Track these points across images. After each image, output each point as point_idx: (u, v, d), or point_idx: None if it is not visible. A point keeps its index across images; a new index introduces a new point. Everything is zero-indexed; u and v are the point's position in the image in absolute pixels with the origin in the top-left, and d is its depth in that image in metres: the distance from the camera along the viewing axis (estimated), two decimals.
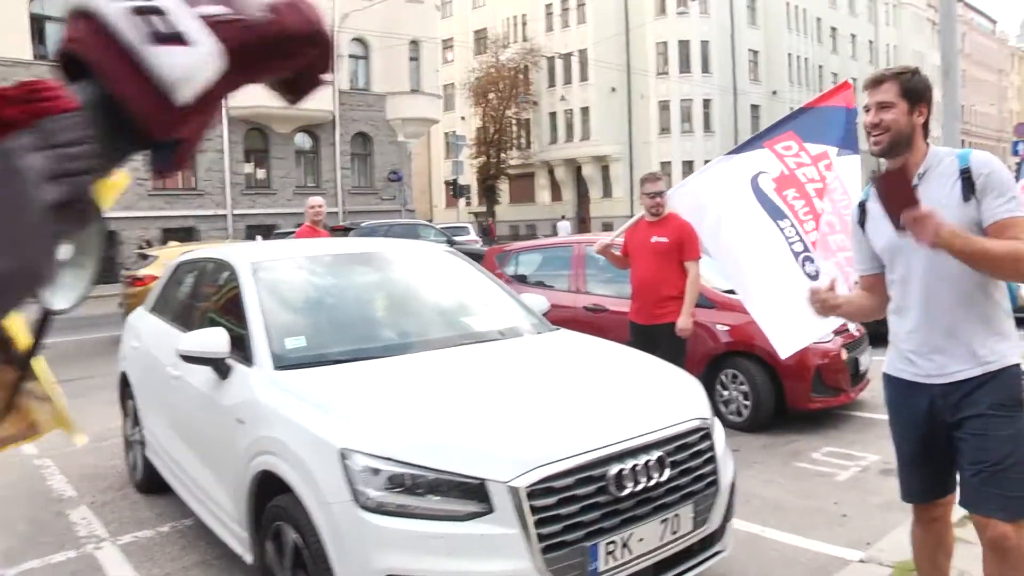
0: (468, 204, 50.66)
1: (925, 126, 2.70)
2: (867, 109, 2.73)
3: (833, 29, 56.73)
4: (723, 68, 46.32)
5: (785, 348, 4.58)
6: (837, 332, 6.32)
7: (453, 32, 52.47)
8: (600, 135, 46.05)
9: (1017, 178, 7.88)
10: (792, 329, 4.45)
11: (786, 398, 6.38)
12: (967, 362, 2.62)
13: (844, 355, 6.43)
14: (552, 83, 48.51)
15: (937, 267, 2.61)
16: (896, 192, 2.52)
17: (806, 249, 4.52)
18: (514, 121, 47.60)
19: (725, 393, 6.62)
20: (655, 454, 3.08)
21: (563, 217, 42.57)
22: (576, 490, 2.85)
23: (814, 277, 4.42)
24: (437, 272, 5.00)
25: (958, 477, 2.73)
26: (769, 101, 50.02)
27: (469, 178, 48.78)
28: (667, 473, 3.10)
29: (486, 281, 4.97)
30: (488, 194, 46.67)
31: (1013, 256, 2.46)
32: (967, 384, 2.61)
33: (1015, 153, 34.03)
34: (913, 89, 2.67)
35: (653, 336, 5.61)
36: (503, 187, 47.93)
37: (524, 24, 49.21)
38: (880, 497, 4.91)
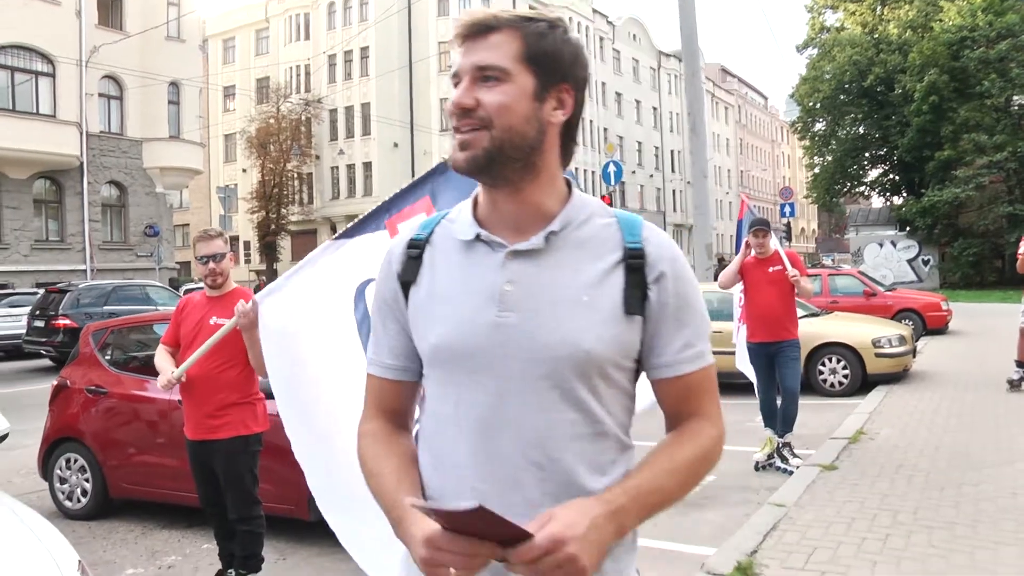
0: (248, 262, 48.19)
1: (568, 133, 1.40)
2: (455, 79, 1.36)
3: (618, 94, 59.61)
4: None
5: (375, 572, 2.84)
6: None
7: (235, 80, 50.33)
8: (383, 191, 45.10)
9: (738, 244, 7.53)
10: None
11: None
12: None
13: None
14: (334, 136, 47.33)
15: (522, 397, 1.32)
16: (479, 527, 1.14)
17: None
18: (295, 175, 45.85)
19: None
20: None
21: None
22: None
23: None
24: None
25: None
26: None
27: (249, 234, 46.50)
28: None
29: None
30: (268, 251, 44.35)
31: (695, 476, 1.39)
32: None
33: (783, 215, 36.70)
34: (547, 53, 1.32)
35: (208, 457, 4.21)
36: (284, 244, 45.80)
37: (307, 74, 47.90)
38: None
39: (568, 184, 1.43)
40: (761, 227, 6.82)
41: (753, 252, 6.85)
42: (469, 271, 1.36)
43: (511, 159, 1.32)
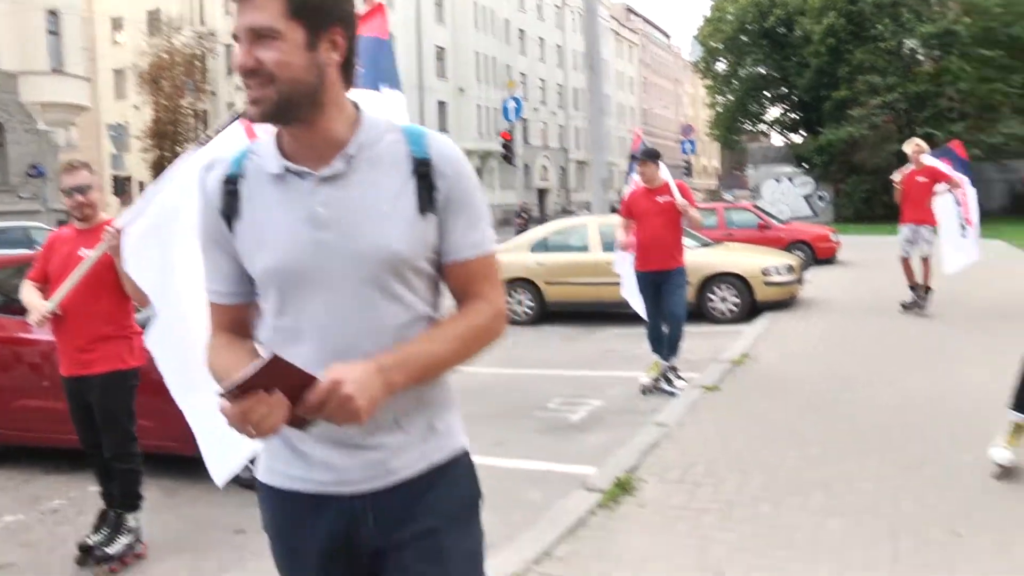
0: None
1: (347, 70, 1.55)
2: (235, 39, 1.51)
3: (521, 31, 59.01)
4: (409, 64, 46.30)
5: (219, 474, 3.21)
6: None
7: (124, 11, 47.73)
8: None
9: (629, 172, 7.63)
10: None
11: None
12: (411, 451, 1.59)
13: None
14: (231, 71, 45.61)
15: (347, 302, 1.54)
16: (277, 379, 1.36)
17: None
18: (191, 112, 44.07)
19: None
20: None
21: None
22: None
23: None
24: None
25: None
26: (456, 99, 50.85)
27: (143, 174, 44.68)
28: None
29: None
30: None
31: (465, 345, 1.58)
32: (412, 487, 1.60)
33: (684, 152, 37.24)
34: (310, 4, 1.46)
35: (84, 394, 4.07)
36: None
37: (201, 6, 45.80)
38: None
39: (356, 107, 1.59)
40: (646, 157, 6.91)
41: (641, 183, 6.97)
42: (285, 200, 1.54)
43: (298, 104, 1.48)
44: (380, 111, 3.36)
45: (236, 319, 1.66)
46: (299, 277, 1.52)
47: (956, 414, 5.68)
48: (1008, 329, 8.69)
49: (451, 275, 1.62)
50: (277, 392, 1.34)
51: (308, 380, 1.36)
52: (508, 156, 22.59)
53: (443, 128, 49.50)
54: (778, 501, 4.24)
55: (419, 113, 47.22)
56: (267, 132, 1.65)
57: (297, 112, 1.49)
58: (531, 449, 5.44)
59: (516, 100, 20.66)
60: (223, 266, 1.62)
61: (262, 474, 1.66)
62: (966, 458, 4.75)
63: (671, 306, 6.88)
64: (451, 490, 1.64)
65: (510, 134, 22.77)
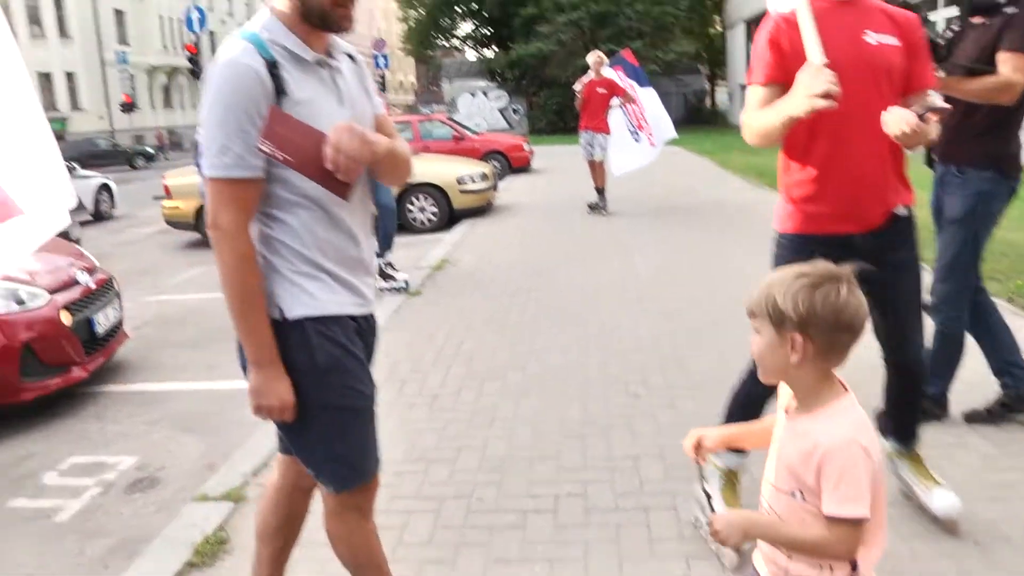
0: None
1: None
2: None
3: None
4: None
5: None
6: (57, 289, 4.80)
7: None
8: None
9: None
10: None
11: None
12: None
13: (67, 319, 4.75)
14: None
15: None
16: (288, 127, 1.86)
17: None
18: None
19: None
20: None
21: None
22: None
23: None
24: None
25: None
26: (135, 7, 46.47)
27: None
28: None
29: None
30: None
31: None
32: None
33: (377, 67, 36.76)
34: None
35: None
36: None
37: None
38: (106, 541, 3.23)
39: None
40: None
41: None
42: (319, 84, 1.90)
43: None
44: None
45: (257, 198, 1.85)
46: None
47: (630, 293, 6.30)
48: (673, 220, 9.88)
49: None
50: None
51: (316, 133, 1.78)
52: (196, 71, 20.97)
53: (123, 41, 45.03)
54: (479, 388, 4.45)
55: (94, 22, 42.99)
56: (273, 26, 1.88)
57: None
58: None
59: (199, 10, 19.11)
60: (253, 140, 1.79)
61: (320, 307, 1.91)
62: (641, 332, 5.30)
63: (380, 196, 6.88)
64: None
65: (196, 47, 21.09)
